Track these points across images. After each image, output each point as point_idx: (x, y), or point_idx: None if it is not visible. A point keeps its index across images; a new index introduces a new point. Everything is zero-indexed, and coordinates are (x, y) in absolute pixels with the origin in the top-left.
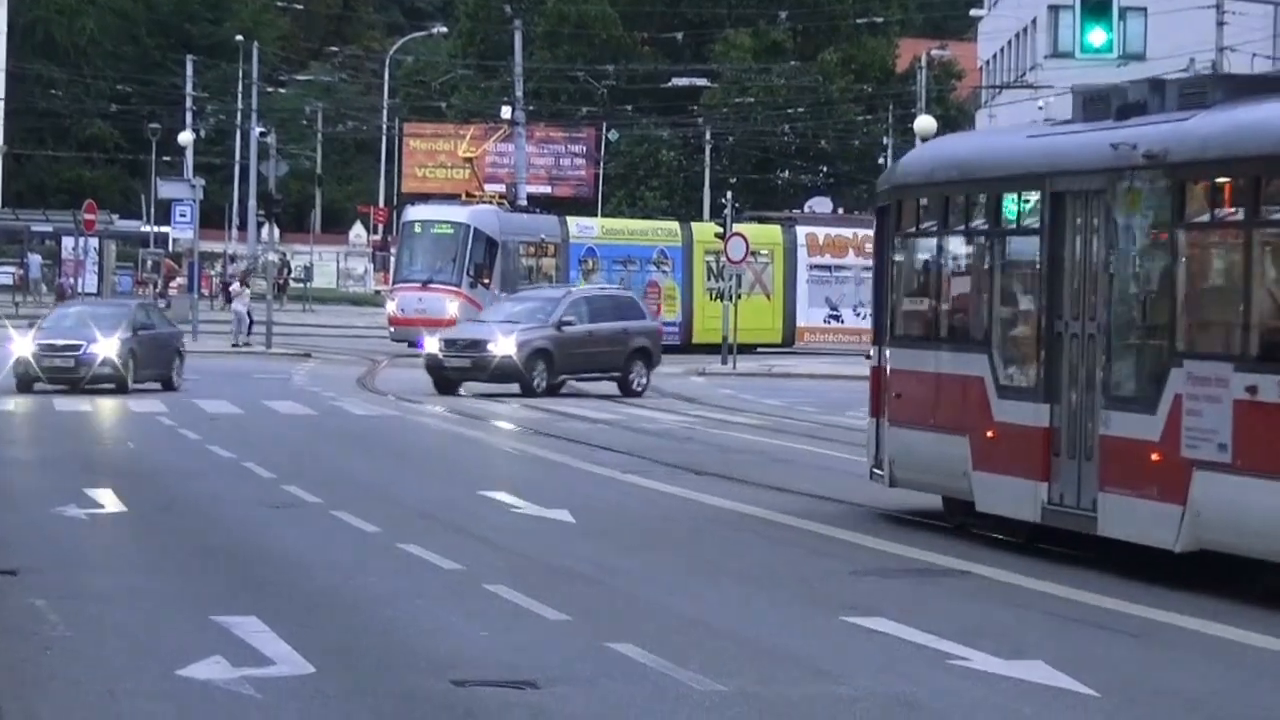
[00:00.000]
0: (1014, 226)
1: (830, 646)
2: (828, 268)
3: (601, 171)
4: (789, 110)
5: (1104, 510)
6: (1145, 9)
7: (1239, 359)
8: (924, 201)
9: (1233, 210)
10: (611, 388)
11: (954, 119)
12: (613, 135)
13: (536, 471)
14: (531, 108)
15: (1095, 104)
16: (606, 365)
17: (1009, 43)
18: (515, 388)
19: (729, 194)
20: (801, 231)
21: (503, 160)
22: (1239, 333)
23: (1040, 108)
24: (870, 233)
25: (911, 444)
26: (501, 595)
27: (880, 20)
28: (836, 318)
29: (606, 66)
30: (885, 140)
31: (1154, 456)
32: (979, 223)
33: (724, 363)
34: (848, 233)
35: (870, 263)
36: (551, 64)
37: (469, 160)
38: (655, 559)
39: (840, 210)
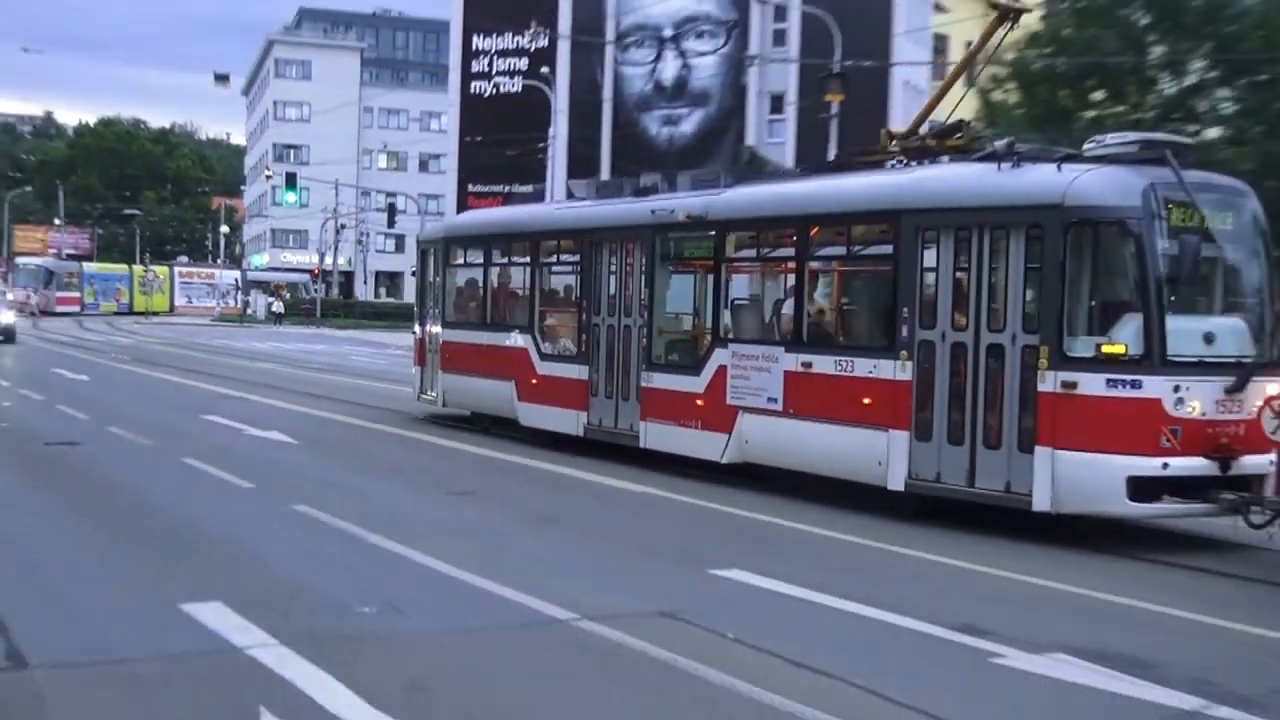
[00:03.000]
0: (554, 261)
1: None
2: None
3: None
4: None
5: (645, 432)
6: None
7: (789, 343)
8: (470, 245)
9: (753, 250)
10: None
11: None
12: None
13: None
14: None
15: (608, 188)
16: None
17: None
18: None
19: None
20: None
21: None
22: (782, 324)
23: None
24: None
25: (462, 384)
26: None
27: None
28: None
29: None
30: None
31: (699, 402)
32: (521, 259)
33: None
34: None
35: None
36: None
37: None
38: None
39: None
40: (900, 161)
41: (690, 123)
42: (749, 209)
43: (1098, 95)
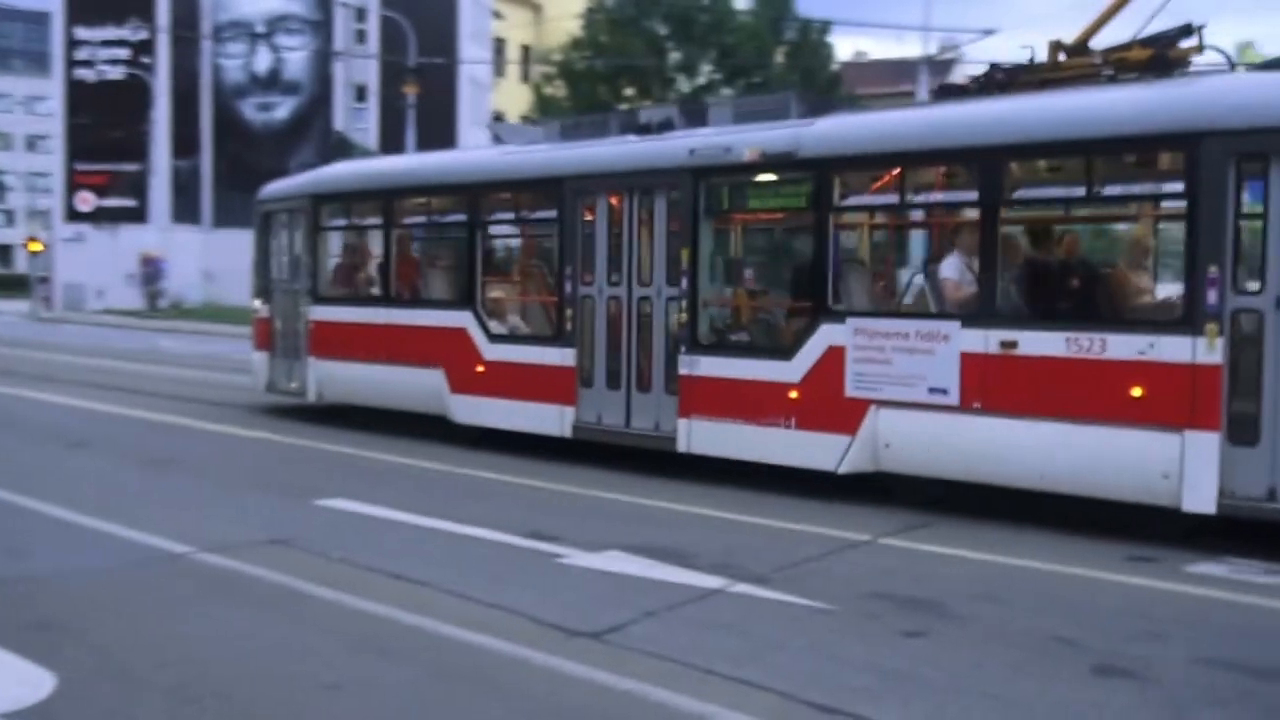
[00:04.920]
0: (512, 219)
1: None
2: None
3: None
4: None
5: (688, 432)
6: None
7: (969, 315)
8: (357, 203)
9: (890, 194)
10: None
11: None
12: None
13: None
14: None
15: (585, 127)
16: None
17: None
18: None
19: None
20: None
21: None
22: (947, 290)
23: None
24: None
25: (349, 374)
26: None
27: None
28: None
29: None
30: None
31: (793, 394)
32: (451, 218)
33: None
34: None
35: None
36: None
37: None
38: None
39: None
40: (1111, 75)
41: (284, 109)
42: (879, 140)
43: (629, 91)
